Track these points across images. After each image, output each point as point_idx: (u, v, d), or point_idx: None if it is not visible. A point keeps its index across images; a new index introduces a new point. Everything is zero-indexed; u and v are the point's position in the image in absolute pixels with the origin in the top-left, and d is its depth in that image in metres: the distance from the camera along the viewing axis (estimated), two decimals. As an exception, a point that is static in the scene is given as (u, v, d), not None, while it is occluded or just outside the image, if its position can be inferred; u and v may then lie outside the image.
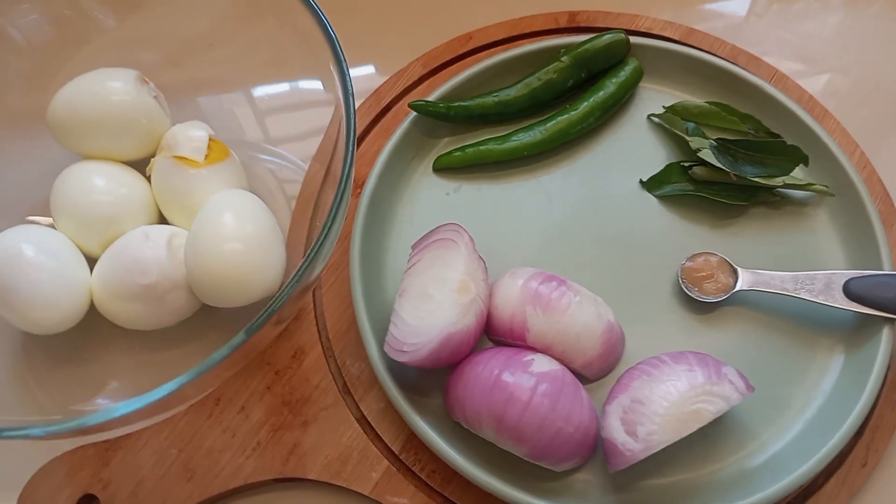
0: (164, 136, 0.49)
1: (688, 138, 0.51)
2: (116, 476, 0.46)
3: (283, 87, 0.54)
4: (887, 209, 0.52)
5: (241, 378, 0.48)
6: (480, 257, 0.45)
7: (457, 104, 0.53)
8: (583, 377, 0.46)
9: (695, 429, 0.40)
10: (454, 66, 0.58)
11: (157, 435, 0.47)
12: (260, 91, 0.55)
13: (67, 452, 0.46)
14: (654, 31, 0.58)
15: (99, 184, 0.48)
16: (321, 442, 0.46)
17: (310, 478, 0.46)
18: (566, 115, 0.52)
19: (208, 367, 0.37)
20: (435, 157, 0.53)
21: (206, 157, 0.48)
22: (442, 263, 0.44)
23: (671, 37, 0.58)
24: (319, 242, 0.39)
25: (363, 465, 0.46)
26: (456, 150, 0.53)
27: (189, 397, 0.43)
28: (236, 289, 0.44)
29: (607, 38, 0.54)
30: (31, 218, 0.50)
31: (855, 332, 0.47)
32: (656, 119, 0.54)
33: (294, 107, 0.54)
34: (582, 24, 0.59)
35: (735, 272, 0.48)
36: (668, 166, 0.52)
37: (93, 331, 0.47)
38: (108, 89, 0.48)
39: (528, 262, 0.50)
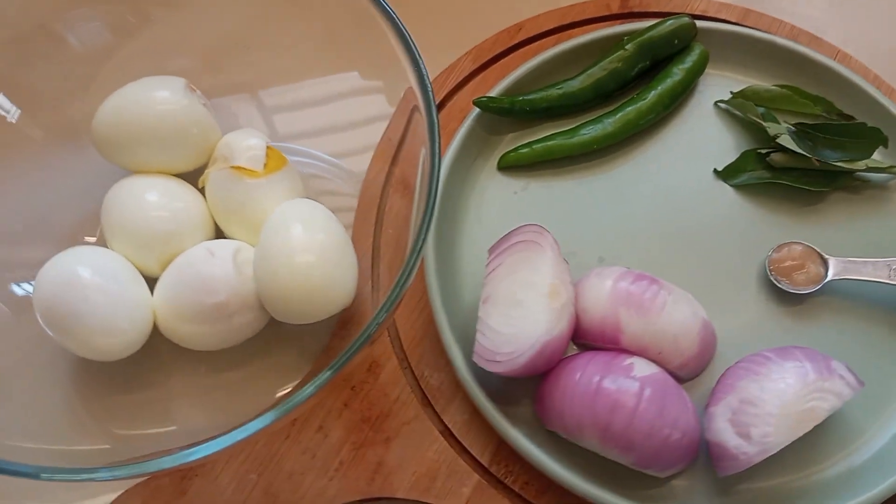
0: (218, 146, 0.47)
1: (765, 124, 0.49)
2: (195, 506, 0.44)
3: (329, 84, 0.52)
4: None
5: (317, 396, 0.46)
6: (564, 259, 0.43)
7: (521, 98, 0.51)
8: (677, 378, 0.44)
9: (809, 428, 0.39)
10: (505, 59, 0.56)
11: (233, 460, 0.44)
12: (306, 90, 0.52)
13: (140, 484, 0.44)
14: (710, 14, 0.56)
15: (153, 199, 0.45)
16: (406, 458, 0.44)
17: (398, 496, 0.44)
18: (635, 105, 0.50)
19: (295, 404, 0.34)
20: (499, 156, 0.51)
21: (265, 165, 0.45)
22: (527, 267, 0.42)
23: (727, 18, 0.56)
24: (412, 264, 0.36)
25: (452, 479, 0.44)
26: (522, 146, 0.51)
27: (271, 432, 0.41)
28: (312, 303, 0.41)
29: (672, 23, 0.51)
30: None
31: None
32: (724, 105, 0.52)
33: (330, 102, 0.52)
34: (635, 10, 0.57)
35: (825, 261, 0.46)
36: (743, 154, 0.50)
37: (153, 353, 0.45)
38: (156, 99, 0.46)
39: (605, 261, 0.48)
